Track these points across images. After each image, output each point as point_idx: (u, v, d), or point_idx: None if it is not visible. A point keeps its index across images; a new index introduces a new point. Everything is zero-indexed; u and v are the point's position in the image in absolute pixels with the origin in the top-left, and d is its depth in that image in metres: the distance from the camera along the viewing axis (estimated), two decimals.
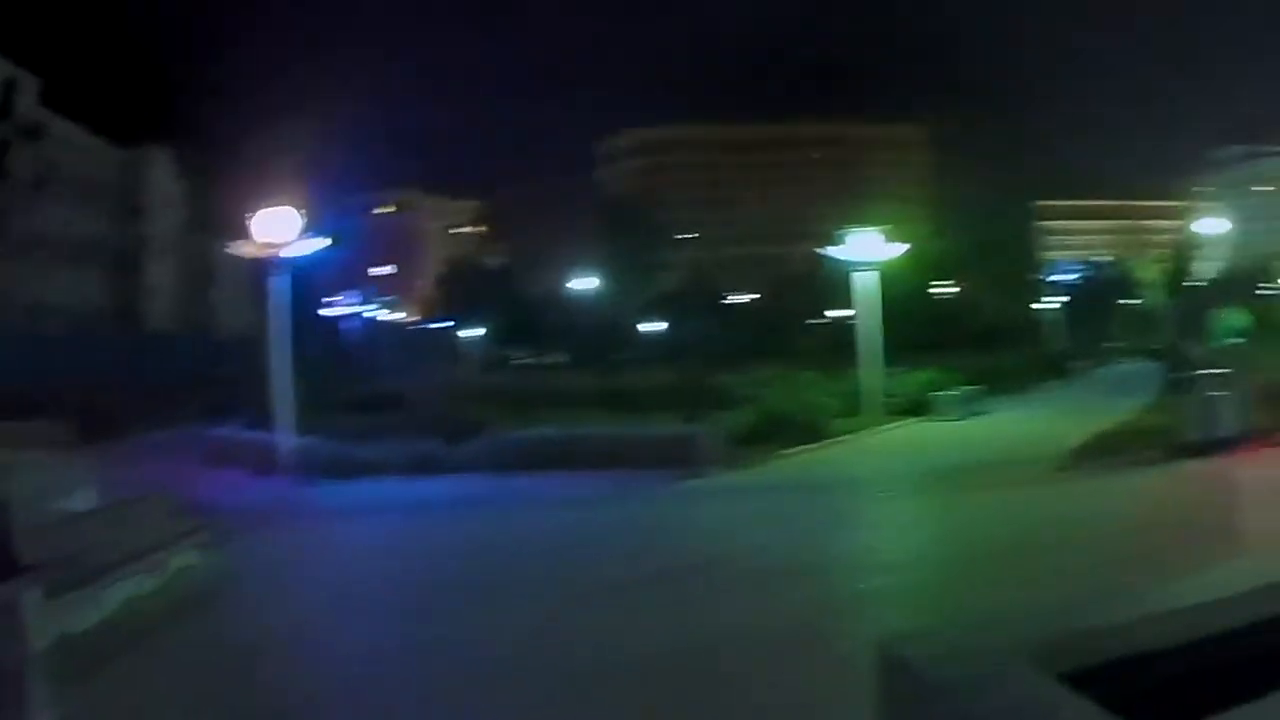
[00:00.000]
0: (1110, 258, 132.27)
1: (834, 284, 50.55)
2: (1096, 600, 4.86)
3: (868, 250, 42.70)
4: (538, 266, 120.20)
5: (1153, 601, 4.20)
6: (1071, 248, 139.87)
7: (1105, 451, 26.98)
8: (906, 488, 25.76)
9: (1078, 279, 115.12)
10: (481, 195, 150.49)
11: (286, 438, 30.69)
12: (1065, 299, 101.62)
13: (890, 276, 43.66)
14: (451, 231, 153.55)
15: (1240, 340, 50.58)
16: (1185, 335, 69.44)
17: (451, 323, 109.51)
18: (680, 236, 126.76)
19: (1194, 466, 23.96)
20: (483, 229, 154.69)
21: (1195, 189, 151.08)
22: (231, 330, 76.38)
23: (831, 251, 44.25)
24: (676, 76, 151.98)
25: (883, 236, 43.25)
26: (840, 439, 34.38)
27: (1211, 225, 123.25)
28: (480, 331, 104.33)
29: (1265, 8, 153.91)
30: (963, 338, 77.29)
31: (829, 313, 79.58)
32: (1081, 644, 3.58)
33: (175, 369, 54.50)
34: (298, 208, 32.46)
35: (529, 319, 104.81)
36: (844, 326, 45.01)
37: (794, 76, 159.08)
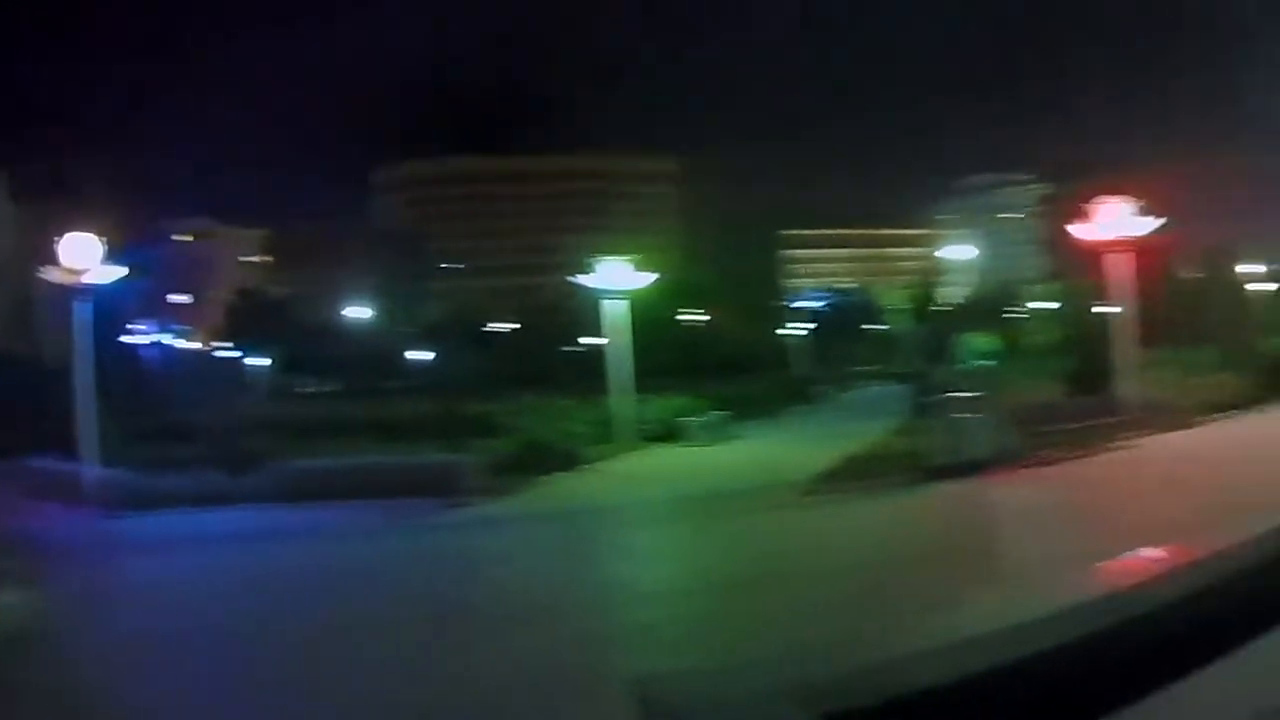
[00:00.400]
0: (855, 284, 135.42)
1: (588, 312, 50.65)
2: (860, 635, 4.45)
3: (617, 279, 43.55)
4: (319, 295, 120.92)
5: (919, 635, 3.90)
6: (818, 275, 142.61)
7: (854, 476, 27.36)
8: (661, 515, 26.20)
9: (823, 305, 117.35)
10: (270, 224, 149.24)
11: (94, 469, 30.90)
12: (811, 325, 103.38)
13: (640, 305, 44.35)
14: (241, 260, 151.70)
15: (988, 363, 52.04)
16: (933, 359, 71.14)
17: (240, 351, 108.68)
18: (447, 266, 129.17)
19: (945, 489, 24.25)
20: (269, 258, 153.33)
21: (942, 217, 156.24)
22: (54, 358, 75.05)
23: (584, 280, 44.86)
24: (446, 110, 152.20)
25: (631, 265, 44.18)
26: (595, 466, 34.86)
27: (958, 251, 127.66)
28: (265, 360, 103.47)
29: (1007, 42, 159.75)
30: (712, 364, 77.81)
31: (584, 340, 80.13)
32: (850, 683, 3.20)
33: (7, 397, 53.22)
34: (101, 235, 32.85)
35: (310, 348, 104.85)
36: (598, 354, 45.21)
37: (556, 110, 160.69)
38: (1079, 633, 3.25)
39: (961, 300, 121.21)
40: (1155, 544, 3.27)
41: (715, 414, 43.34)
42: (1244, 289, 68.04)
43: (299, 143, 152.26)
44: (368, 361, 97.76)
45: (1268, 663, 2.51)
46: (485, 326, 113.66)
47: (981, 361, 55.19)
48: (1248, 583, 2.54)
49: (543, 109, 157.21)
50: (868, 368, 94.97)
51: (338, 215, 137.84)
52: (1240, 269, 70.27)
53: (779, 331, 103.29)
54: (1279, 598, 2.54)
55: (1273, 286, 73.33)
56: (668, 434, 41.42)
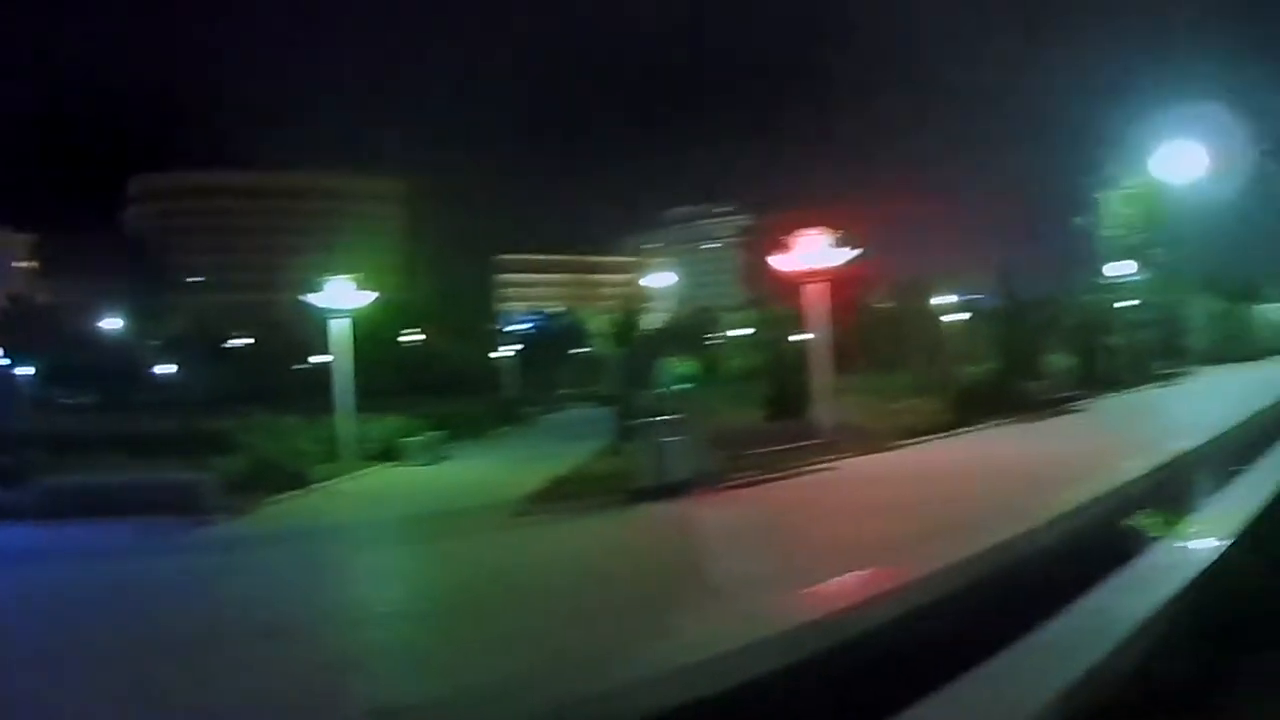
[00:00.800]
0: (564, 308, 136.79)
1: (317, 330, 50.97)
2: (583, 659, 4.52)
3: (342, 298, 43.92)
4: (80, 304, 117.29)
5: (641, 660, 4.26)
6: (528, 299, 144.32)
7: (562, 497, 28.12)
8: (387, 536, 26.66)
9: (532, 328, 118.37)
10: (38, 229, 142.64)
11: None
12: (520, 347, 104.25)
13: (364, 324, 44.91)
14: (15, 265, 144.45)
15: (688, 387, 53.43)
16: (635, 383, 72.06)
17: (10, 360, 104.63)
18: (190, 280, 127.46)
19: (647, 511, 25.08)
20: (35, 264, 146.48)
21: (646, 245, 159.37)
22: None
23: (311, 298, 45.22)
24: (193, 120, 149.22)
25: (355, 284, 44.50)
26: (322, 485, 35.46)
27: (660, 279, 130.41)
28: (31, 370, 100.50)
29: (713, 77, 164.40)
30: (428, 384, 78.66)
31: (312, 358, 79.93)
32: (576, 711, 3.71)
33: None
34: None
35: (71, 358, 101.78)
36: (326, 372, 45.46)
37: (289, 127, 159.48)
38: (798, 656, 4.06)
39: (664, 326, 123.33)
40: (851, 562, 3.38)
41: (431, 434, 44.50)
42: (939, 319, 71.62)
43: (62, 146, 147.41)
44: (120, 374, 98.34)
45: (990, 690, 2.85)
46: (224, 342, 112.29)
47: (681, 385, 56.79)
48: (957, 607, 2.82)
49: (276, 126, 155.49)
50: (574, 390, 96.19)
51: (98, 223, 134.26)
52: (935, 300, 73.74)
53: (490, 353, 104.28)
54: (988, 623, 3.03)
55: (966, 316, 76.42)
56: (388, 453, 42.35)
